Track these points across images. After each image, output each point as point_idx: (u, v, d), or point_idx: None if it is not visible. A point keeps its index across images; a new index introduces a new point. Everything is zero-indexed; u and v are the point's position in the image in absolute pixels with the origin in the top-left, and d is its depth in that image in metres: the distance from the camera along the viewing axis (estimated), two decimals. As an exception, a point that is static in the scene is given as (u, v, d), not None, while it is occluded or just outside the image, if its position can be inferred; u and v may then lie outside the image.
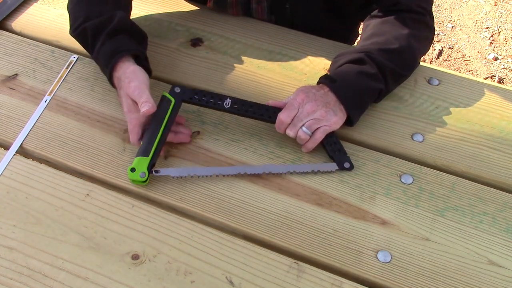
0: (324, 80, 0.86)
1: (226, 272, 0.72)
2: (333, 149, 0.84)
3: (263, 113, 0.85)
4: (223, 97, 0.86)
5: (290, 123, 0.83)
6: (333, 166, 0.83)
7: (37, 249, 0.74)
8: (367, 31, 0.94)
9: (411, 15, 0.92)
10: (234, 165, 0.84)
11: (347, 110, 0.84)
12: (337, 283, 0.71)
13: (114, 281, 0.71)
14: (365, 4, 0.97)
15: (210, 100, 0.85)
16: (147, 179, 0.80)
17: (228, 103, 0.85)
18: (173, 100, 0.84)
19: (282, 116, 0.82)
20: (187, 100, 0.86)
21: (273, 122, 0.84)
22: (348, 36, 1.19)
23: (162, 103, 0.84)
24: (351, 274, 0.73)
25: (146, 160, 0.79)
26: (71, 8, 0.94)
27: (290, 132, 0.83)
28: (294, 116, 0.82)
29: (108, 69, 0.85)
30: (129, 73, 0.83)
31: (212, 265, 0.73)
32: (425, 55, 0.98)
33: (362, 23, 1.01)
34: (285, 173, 0.83)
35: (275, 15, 1.07)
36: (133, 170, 0.79)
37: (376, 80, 0.86)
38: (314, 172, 0.83)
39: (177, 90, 0.85)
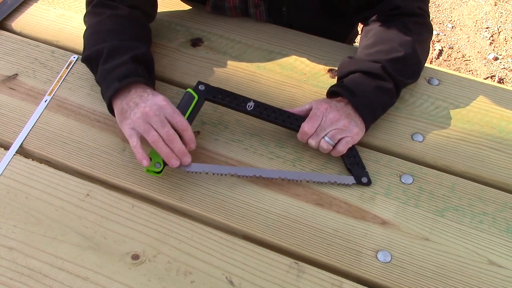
0: (342, 91, 0.84)
1: (226, 272, 0.72)
2: (352, 162, 0.83)
3: (285, 119, 0.84)
4: (246, 99, 0.85)
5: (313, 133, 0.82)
6: (351, 179, 0.82)
7: (37, 249, 0.74)
8: (369, 37, 0.92)
9: (414, 19, 0.92)
10: (239, 166, 0.84)
11: (365, 123, 0.84)
12: (337, 283, 0.71)
13: (114, 281, 0.71)
14: (362, 8, 0.96)
15: (234, 100, 0.85)
16: (161, 170, 0.79)
17: (251, 106, 0.84)
18: (196, 96, 0.83)
19: (306, 127, 0.81)
20: (210, 99, 0.84)
21: (295, 129, 0.84)
22: (347, 37, 1.18)
23: (185, 98, 0.83)
24: (351, 274, 0.73)
25: None
26: (87, 35, 0.91)
27: (312, 142, 0.82)
28: (318, 126, 0.81)
29: (122, 82, 0.80)
30: (164, 104, 0.79)
31: (212, 265, 0.73)
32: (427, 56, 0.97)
33: (361, 24, 1.01)
34: (300, 181, 0.82)
35: (273, 18, 1.07)
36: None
37: (391, 96, 0.87)
38: (330, 183, 0.82)
39: (202, 87, 0.84)
